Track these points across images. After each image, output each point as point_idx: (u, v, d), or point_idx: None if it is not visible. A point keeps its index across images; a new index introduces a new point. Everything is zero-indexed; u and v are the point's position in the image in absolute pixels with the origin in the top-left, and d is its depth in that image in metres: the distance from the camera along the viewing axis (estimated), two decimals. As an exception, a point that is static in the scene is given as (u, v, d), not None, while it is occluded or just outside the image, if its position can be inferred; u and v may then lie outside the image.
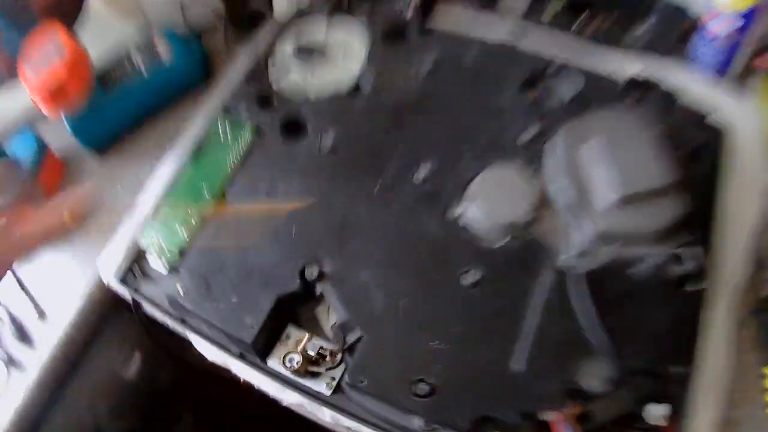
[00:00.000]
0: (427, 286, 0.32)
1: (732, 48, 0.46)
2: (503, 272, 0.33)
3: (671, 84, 0.42)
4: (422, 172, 0.36)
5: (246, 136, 0.40)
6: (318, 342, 0.33)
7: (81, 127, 0.48)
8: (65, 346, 0.44)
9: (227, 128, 0.41)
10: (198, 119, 0.43)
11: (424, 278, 0.33)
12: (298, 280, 0.33)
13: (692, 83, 0.44)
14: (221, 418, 0.60)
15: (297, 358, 0.31)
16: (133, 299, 0.40)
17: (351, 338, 0.32)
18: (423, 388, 0.30)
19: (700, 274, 0.33)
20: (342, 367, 0.33)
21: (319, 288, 0.33)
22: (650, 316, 0.32)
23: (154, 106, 0.50)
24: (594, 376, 0.31)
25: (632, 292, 0.32)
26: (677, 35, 0.48)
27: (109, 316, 0.48)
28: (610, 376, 0.31)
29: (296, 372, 0.32)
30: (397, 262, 0.33)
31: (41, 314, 0.46)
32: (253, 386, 0.43)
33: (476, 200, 0.34)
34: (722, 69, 0.48)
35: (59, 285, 0.47)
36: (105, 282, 0.42)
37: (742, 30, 0.44)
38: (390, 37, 0.43)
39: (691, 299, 0.33)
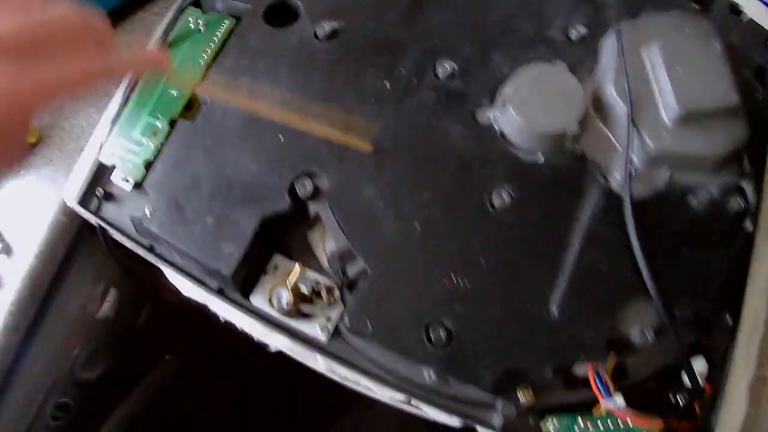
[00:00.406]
0: (448, 206, 0.26)
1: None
2: (542, 192, 0.26)
3: None
4: (447, 65, 0.28)
5: (224, 28, 0.32)
6: (312, 275, 0.26)
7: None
8: (32, 283, 0.39)
9: (200, 21, 0.32)
10: (166, 17, 0.34)
11: (445, 197, 0.26)
12: (288, 198, 0.26)
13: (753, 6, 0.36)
14: (209, 359, 0.55)
15: (286, 295, 0.25)
16: (100, 227, 0.33)
17: (352, 271, 0.26)
18: (439, 333, 0.24)
19: (756, 210, 0.28)
20: (340, 306, 0.26)
21: (313, 208, 0.27)
22: (703, 255, 0.27)
23: (118, 5, 0.41)
24: (638, 324, 0.26)
25: (686, 227, 0.27)
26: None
27: (79, 247, 0.42)
28: (656, 325, 0.25)
29: (285, 313, 0.25)
30: (412, 176, 0.26)
31: (7, 250, 0.40)
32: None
33: (513, 102, 0.26)
34: None
35: (25, 216, 0.41)
36: (68, 206, 0.36)
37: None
38: None
39: (746, 239, 0.28)
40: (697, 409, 0.27)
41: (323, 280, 0.26)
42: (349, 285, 0.26)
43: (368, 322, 0.24)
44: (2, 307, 0.37)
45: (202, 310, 0.54)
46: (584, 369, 0.27)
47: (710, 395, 0.28)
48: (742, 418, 0.30)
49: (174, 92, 0.31)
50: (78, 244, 0.42)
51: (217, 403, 0.58)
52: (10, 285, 0.38)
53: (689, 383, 0.27)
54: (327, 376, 0.34)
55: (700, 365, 0.28)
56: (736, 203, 0.28)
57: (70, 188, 0.34)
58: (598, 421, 0.27)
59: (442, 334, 0.24)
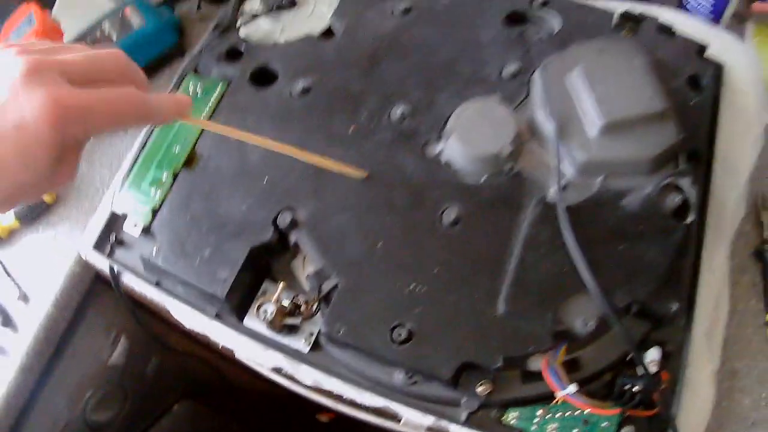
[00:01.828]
0: (405, 227, 0.34)
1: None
2: (485, 208, 0.34)
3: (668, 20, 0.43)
4: (399, 110, 0.37)
5: (217, 92, 0.42)
6: (293, 292, 0.34)
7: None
8: (48, 327, 0.48)
9: (198, 87, 0.43)
10: (171, 84, 0.45)
11: (402, 219, 0.34)
12: (271, 230, 0.35)
13: (689, 25, 0.45)
14: (215, 407, 0.62)
15: (271, 308, 0.33)
16: (111, 271, 0.42)
17: (327, 286, 0.33)
18: (401, 333, 0.31)
19: (692, 205, 0.34)
20: (319, 321, 0.34)
21: (293, 236, 0.35)
22: (640, 249, 0.33)
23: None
24: (581, 316, 0.32)
25: (623, 225, 0.33)
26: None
27: (92, 297, 0.51)
28: (597, 315, 0.31)
29: (271, 324, 0.33)
30: (374, 203, 0.34)
31: (24, 298, 0.49)
32: (242, 371, 0.45)
33: (454, 134, 0.35)
34: (717, 14, 0.50)
35: (42, 269, 0.50)
36: (83, 256, 0.45)
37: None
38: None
39: (684, 233, 0.33)
40: (655, 397, 0.32)
41: (303, 296, 0.34)
42: (326, 299, 0.33)
43: (340, 327, 0.31)
44: (19, 349, 0.46)
45: (206, 360, 0.61)
46: (539, 363, 0.33)
47: (669, 384, 0.33)
48: (710, 406, 0.35)
49: (177, 148, 0.41)
50: (91, 295, 0.51)
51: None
52: (27, 329, 0.47)
53: (643, 372, 0.32)
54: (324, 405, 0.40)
55: (654, 354, 0.33)
56: (672, 200, 0.34)
57: (86, 238, 0.43)
58: (557, 412, 0.33)
59: (404, 333, 0.31)
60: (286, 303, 0.33)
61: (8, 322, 0.48)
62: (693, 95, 0.39)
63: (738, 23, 0.54)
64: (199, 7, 0.56)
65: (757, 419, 0.36)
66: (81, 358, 0.52)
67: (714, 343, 0.36)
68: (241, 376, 0.54)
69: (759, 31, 0.54)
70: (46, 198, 0.53)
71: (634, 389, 0.32)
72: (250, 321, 0.35)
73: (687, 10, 0.51)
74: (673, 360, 0.33)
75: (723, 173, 0.40)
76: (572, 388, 0.32)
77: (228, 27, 0.44)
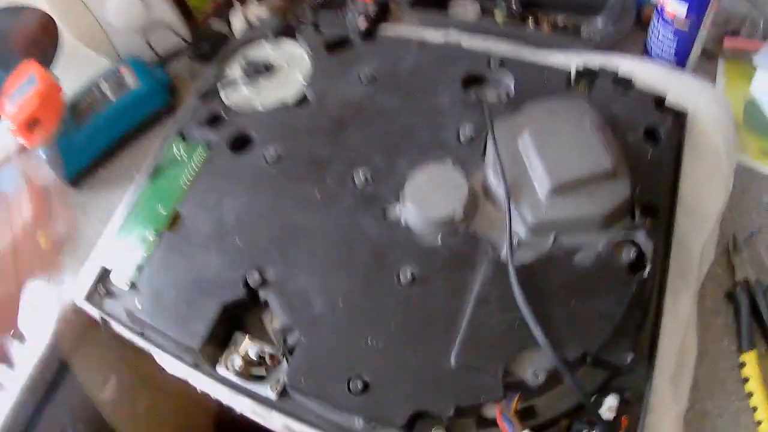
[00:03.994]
0: (365, 286, 0.38)
1: (691, 30, 0.51)
2: (440, 268, 0.38)
3: (628, 72, 0.47)
4: (361, 174, 0.42)
5: (199, 155, 0.48)
6: (259, 345, 0.39)
7: (56, 158, 0.57)
8: (43, 366, 0.52)
9: (181, 150, 0.49)
10: (158, 146, 0.51)
11: (362, 278, 0.38)
12: (242, 288, 0.39)
13: (652, 72, 0.48)
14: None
15: (238, 360, 0.37)
16: (102, 318, 0.48)
17: (291, 340, 0.38)
18: (357, 384, 0.35)
19: (647, 258, 0.36)
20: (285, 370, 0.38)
21: (262, 294, 0.40)
22: (593, 304, 0.35)
23: (122, 133, 0.59)
24: (531, 368, 0.35)
25: (575, 281, 0.36)
26: (635, 22, 0.53)
27: (84, 339, 0.56)
28: (547, 367, 0.35)
29: (240, 375, 0.38)
30: (337, 264, 0.39)
31: (20, 338, 0.55)
32: (228, 412, 0.50)
33: (411, 198, 0.39)
34: (682, 57, 0.53)
35: (37, 311, 0.56)
36: (75, 303, 0.51)
37: (697, 10, 0.48)
38: (335, 46, 0.50)
39: (638, 286, 0.35)
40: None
41: (268, 349, 0.39)
42: (290, 351, 0.38)
43: (302, 379, 0.36)
44: (15, 385, 0.51)
45: (193, 398, 0.66)
46: (494, 410, 0.37)
47: (629, 429, 0.34)
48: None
49: (161, 208, 0.46)
50: (83, 337, 0.56)
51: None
52: (23, 367, 0.52)
53: (602, 418, 0.34)
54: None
55: (611, 401, 0.35)
56: (627, 255, 0.36)
57: (79, 288, 0.49)
58: (510, 458, 0.36)
59: (360, 385, 0.35)
60: (252, 355, 0.38)
61: (5, 359, 0.54)
62: (650, 147, 0.42)
63: (708, 61, 0.58)
64: (191, 60, 0.62)
65: (729, 459, 0.37)
66: (73, 395, 0.57)
67: (681, 386, 0.38)
68: (226, 414, 0.59)
69: (730, 68, 0.58)
70: (43, 246, 0.59)
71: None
72: (223, 370, 0.40)
73: (650, 56, 0.55)
74: (634, 406, 0.35)
75: (688, 219, 0.42)
76: (526, 435, 0.35)
77: (210, 93, 0.50)
